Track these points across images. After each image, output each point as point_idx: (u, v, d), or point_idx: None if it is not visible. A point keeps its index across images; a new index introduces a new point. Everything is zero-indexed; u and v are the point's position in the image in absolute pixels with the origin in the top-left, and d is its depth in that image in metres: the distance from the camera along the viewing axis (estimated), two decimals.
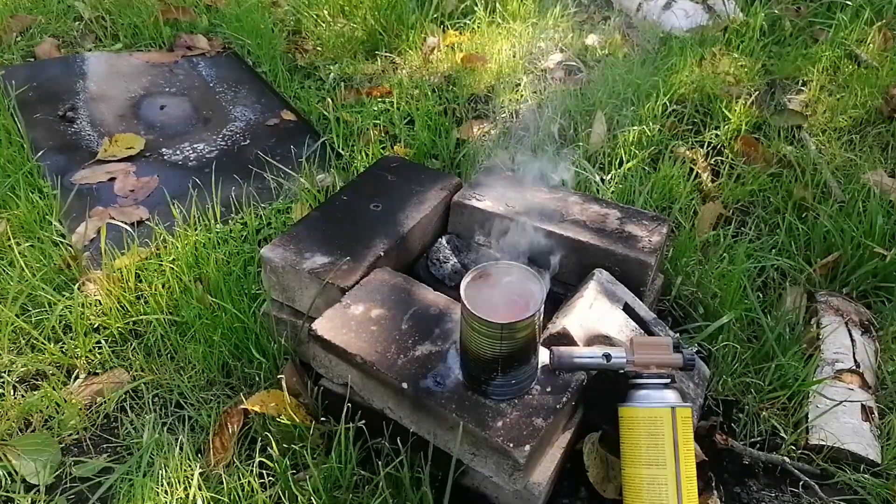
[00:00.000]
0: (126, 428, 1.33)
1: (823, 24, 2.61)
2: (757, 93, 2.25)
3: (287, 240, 1.35)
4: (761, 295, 1.60)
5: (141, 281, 1.58)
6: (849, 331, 1.49)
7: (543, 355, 1.12)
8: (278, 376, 1.29)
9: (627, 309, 1.28)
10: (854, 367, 1.41)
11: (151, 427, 1.29)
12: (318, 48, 2.59)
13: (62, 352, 1.45)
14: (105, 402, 1.37)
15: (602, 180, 1.88)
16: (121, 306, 1.52)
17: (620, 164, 1.94)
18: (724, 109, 2.16)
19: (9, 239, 1.62)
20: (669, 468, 1.02)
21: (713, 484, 1.25)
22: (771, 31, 2.60)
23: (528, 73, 2.41)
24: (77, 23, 2.70)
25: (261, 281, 1.42)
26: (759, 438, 1.35)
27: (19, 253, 1.58)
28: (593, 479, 1.20)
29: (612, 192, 1.84)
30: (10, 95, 2.13)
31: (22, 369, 1.42)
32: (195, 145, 2.11)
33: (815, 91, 2.29)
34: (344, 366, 1.19)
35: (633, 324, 1.27)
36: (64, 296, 1.53)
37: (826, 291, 1.62)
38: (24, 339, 1.47)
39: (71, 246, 1.67)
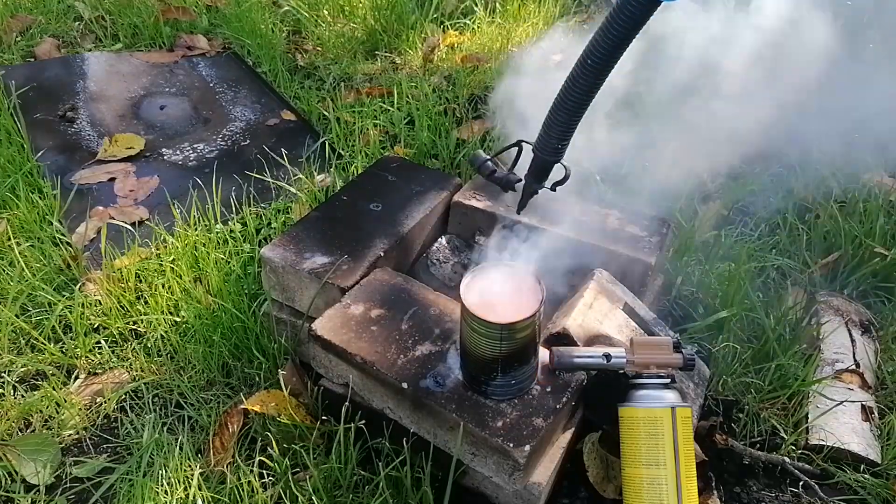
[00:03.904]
0: (126, 428, 1.33)
1: None
2: None
3: (287, 240, 1.35)
4: (761, 295, 1.60)
5: (141, 281, 1.58)
6: (849, 331, 1.49)
7: (543, 355, 1.12)
8: (278, 376, 1.29)
9: (627, 309, 1.28)
10: (854, 367, 1.41)
11: (151, 427, 1.29)
12: (318, 48, 2.59)
13: (62, 352, 1.45)
14: (105, 402, 1.37)
15: (602, 180, 1.88)
16: (121, 306, 1.52)
17: (620, 164, 1.93)
18: None
19: (9, 239, 1.62)
20: (669, 468, 1.02)
21: (713, 484, 1.25)
22: None
23: (528, 74, 2.41)
24: (77, 23, 2.70)
25: (261, 281, 1.42)
26: (759, 438, 1.35)
27: (19, 253, 1.58)
28: (593, 479, 1.20)
29: (612, 193, 1.84)
30: (10, 95, 2.13)
31: (22, 369, 1.42)
32: (195, 145, 2.11)
33: None
34: (344, 366, 1.19)
35: (633, 324, 1.27)
36: (64, 296, 1.53)
37: (826, 291, 1.62)
38: (24, 339, 1.47)
39: (71, 246, 1.67)
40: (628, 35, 0.75)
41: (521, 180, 1.01)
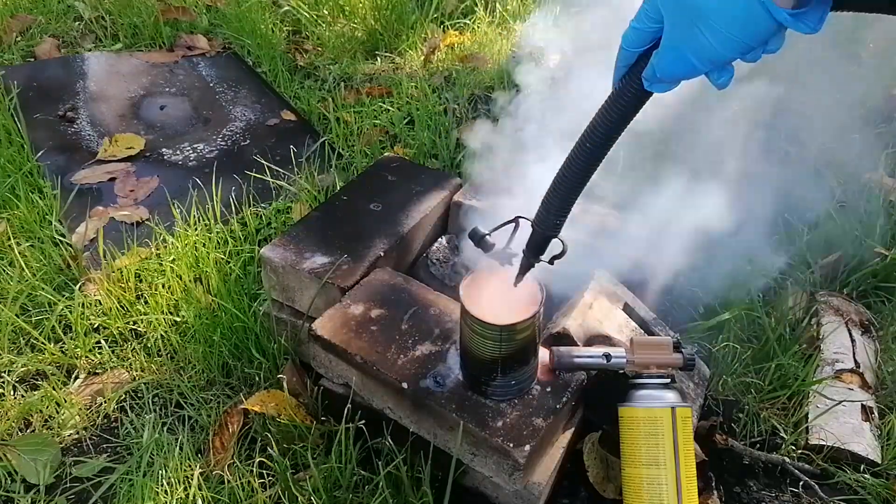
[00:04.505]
0: (126, 428, 1.33)
1: None
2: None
3: (287, 240, 1.35)
4: (761, 295, 1.60)
5: (141, 281, 1.58)
6: (849, 331, 1.49)
7: (543, 355, 1.12)
8: (278, 376, 1.29)
9: (627, 309, 1.28)
10: (854, 367, 1.41)
11: (151, 427, 1.29)
12: (318, 48, 2.59)
13: (62, 352, 1.45)
14: (105, 402, 1.37)
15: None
16: (121, 306, 1.52)
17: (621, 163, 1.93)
18: None
19: (9, 239, 1.62)
20: (669, 468, 1.02)
21: (713, 484, 1.25)
22: None
23: (529, 74, 2.41)
24: (77, 23, 2.70)
25: (261, 281, 1.42)
26: (759, 438, 1.35)
27: (19, 253, 1.58)
28: (593, 479, 1.20)
29: (613, 192, 1.84)
30: (11, 95, 2.13)
31: (22, 369, 1.42)
32: (195, 145, 2.11)
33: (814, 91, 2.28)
34: (344, 366, 1.19)
35: (633, 324, 1.27)
36: (64, 296, 1.53)
37: (826, 291, 1.62)
38: (24, 339, 1.47)
39: (71, 246, 1.67)
40: (625, 120, 0.82)
41: (516, 255, 1.04)
